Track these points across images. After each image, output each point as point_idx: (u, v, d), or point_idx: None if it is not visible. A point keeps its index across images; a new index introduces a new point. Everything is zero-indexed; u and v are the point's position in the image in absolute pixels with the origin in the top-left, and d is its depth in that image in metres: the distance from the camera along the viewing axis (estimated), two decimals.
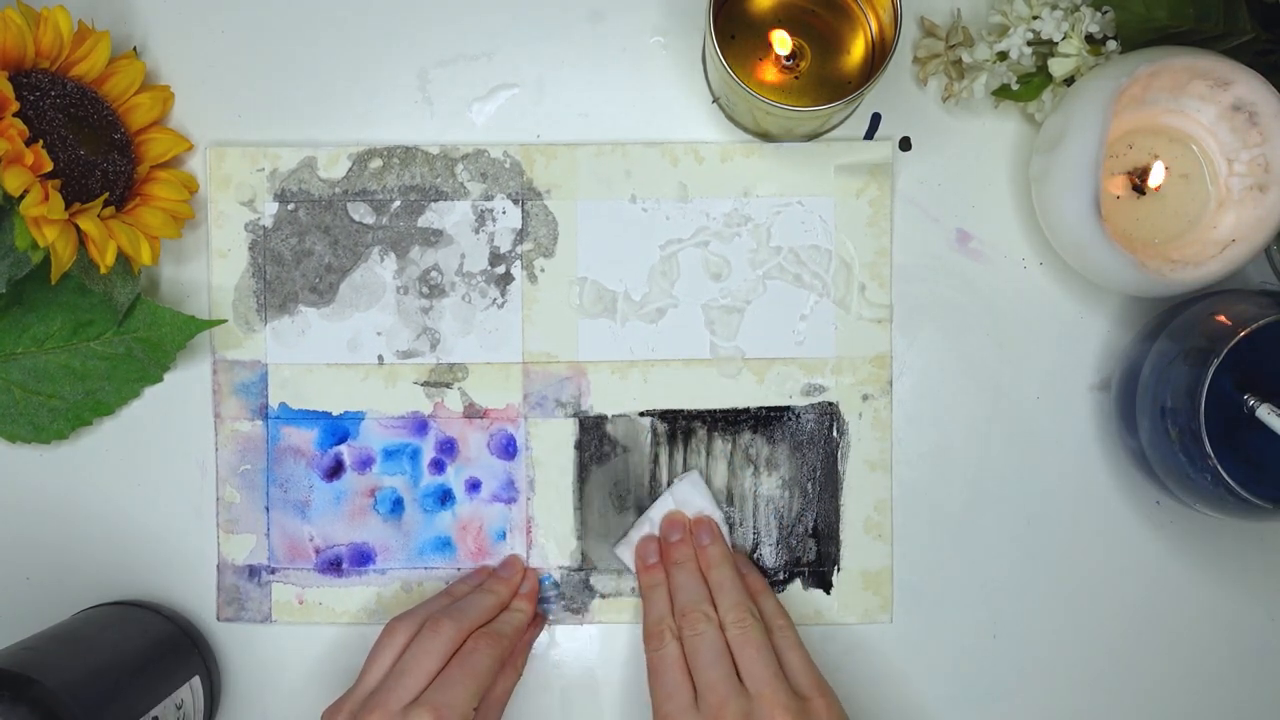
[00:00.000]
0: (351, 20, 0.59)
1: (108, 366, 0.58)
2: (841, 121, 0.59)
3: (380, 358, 0.59)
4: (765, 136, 0.59)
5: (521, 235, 0.59)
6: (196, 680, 0.56)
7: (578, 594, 0.59)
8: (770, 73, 0.55)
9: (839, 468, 0.59)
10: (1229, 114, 0.54)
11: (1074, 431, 0.59)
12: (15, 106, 0.51)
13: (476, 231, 0.59)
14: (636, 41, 0.59)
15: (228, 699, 0.59)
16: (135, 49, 0.59)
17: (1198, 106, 0.55)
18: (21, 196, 0.50)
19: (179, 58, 0.59)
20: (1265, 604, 0.60)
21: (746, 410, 0.59)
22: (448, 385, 0.59)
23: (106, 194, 0.55)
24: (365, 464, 0.59)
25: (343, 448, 0.59)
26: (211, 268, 0.59)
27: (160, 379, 0.59)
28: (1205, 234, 0.56)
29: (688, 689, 0.52)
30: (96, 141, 0.55)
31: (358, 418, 0.59)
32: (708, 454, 0.59)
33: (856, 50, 0.55)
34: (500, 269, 0.59)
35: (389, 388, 0.59)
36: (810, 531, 0.59)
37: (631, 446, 0.59)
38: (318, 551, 0.59)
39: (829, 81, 0.55)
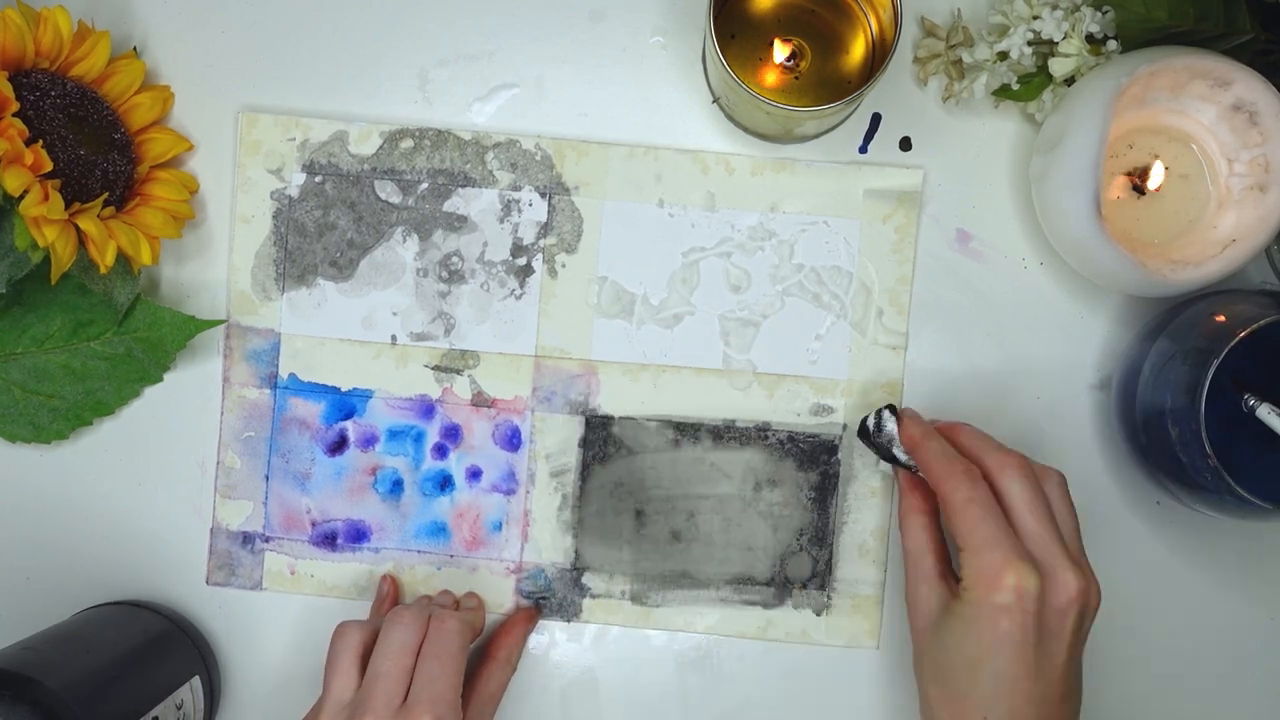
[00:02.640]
0: (352, 20, 0.59)
1: (108, 366, 0.58)
2: (842, 122, 0.59)
3: (393, 338, 0.59)
4: (765, 137, 0.59)
5: (546, 229, 0.59)
6: (196, 680, 0.56)
7: (569, 592, 0.59)
8: (770, 73, 0.55)
9: (840, 490, 0.59)
10: (1229, 114, 0.54)
11: (1074, 431, 0.59)
12: (15, 106, 0.51)
13: (501, 221, 0.59)
14: (636, 41, 0.59)
15: (228, 699, 0.59)
16: (135, 49, 0.59)
17: (1198, 106, 0.55)
18: (21, 196, 0.50)
19: (179, 58, 0.59)
20: (1265, 604, 0.60)
21: (753, 424, 0.59)
22: (458, 371, 0.59)
23: (106, 194, 0.55)
24: (369, 442, 0.59)
25: (348, 424, 0.59)
26: (234, 232, 0.59)
27: (160, 379, 0.59)
28: (1205, 234, 0.55)
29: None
30: (96, 141, 0.55)
31: (366, 395, 0.59)
32: (711, 464, 0.59)
33: (856, 50, 0.55)
34: (521, 260, 0.59)
35: (399, 368, 0.59)
36: (806, 551, 0.59)
37: (636, 449, 0.59)
38: (314, 524, 0.59)
39: (829, 81, 0.55)
